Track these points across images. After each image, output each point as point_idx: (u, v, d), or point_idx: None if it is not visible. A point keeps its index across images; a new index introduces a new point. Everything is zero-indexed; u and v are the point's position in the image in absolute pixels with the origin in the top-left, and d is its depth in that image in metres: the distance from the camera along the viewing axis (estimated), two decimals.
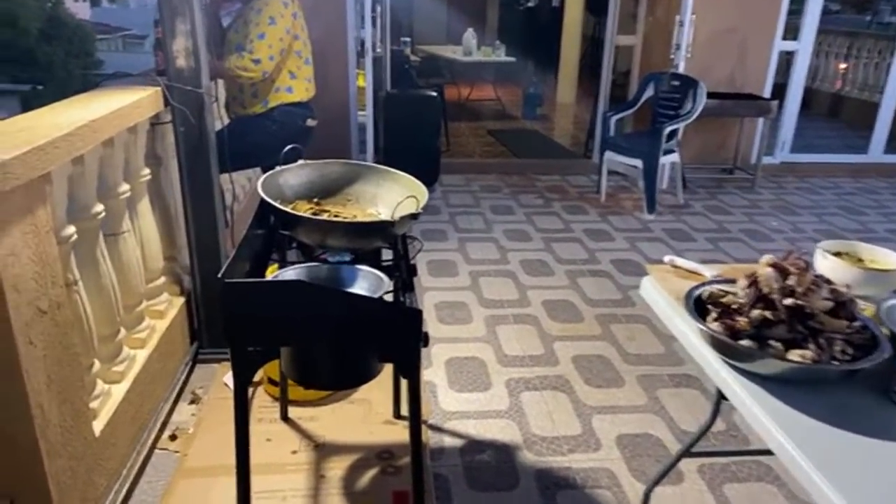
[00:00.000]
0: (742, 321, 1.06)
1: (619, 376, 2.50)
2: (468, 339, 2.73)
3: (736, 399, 1.07)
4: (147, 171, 2.16)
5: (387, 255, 1.75)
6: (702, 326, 1.10)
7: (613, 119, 4.62)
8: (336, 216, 1.79)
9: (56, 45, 18.97)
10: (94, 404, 1.73)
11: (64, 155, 1.49)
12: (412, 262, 1.68)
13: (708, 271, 1.45)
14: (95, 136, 1.66)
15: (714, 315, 1.12)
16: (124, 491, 1.77)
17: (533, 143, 6.68)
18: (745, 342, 1.05)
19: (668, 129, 4.20)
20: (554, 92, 8.88)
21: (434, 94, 4.78)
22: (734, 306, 1.11)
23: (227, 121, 2.90)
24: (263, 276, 1.58)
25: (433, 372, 2.48)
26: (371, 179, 1.85)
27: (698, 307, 1.16)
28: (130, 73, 2.55)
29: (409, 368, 1.32)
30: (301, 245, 1.76)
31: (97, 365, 1.76)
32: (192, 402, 2.25)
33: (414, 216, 1.58)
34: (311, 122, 2.90)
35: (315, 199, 1.78)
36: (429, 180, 4.92)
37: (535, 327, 2.84)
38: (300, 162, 1.81)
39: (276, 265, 1.86)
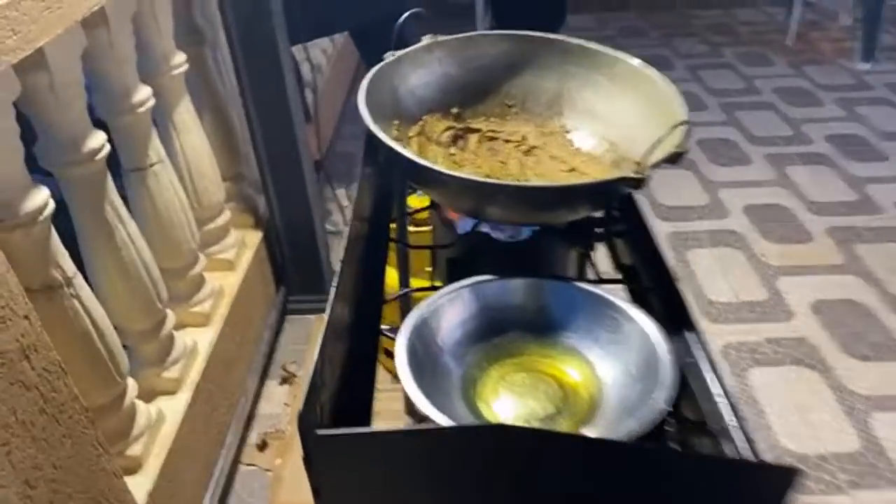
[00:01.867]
0: None
1: (893, 341, 1.67)
2: None
3: None
4: (181, 57, 1.38)
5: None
6: None
7: None
8: (491, 138, 1.01)
9: None
10: (133, 450, 1.13)
11: None
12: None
13: None
14: (57, 18, 0.89)
15: None
16: None
17: None
18: None
19: None
20: None
21: None
22: None
23: None
24: (383, 296, 0.84)
25: None
26: (550, 67, 1.01)
27: None
28: None
29: None
30: (436, 204, 1.02)
31: (131, 386, 1.14)
32: (283, 381, 1.65)
33: (674, 158, 0.79)
34: None
35: (455, 110, 1.00)
36: (554, 22, 3.89)
37: (742, 251, 2.00)
38: (426, 40, 0.98)
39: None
